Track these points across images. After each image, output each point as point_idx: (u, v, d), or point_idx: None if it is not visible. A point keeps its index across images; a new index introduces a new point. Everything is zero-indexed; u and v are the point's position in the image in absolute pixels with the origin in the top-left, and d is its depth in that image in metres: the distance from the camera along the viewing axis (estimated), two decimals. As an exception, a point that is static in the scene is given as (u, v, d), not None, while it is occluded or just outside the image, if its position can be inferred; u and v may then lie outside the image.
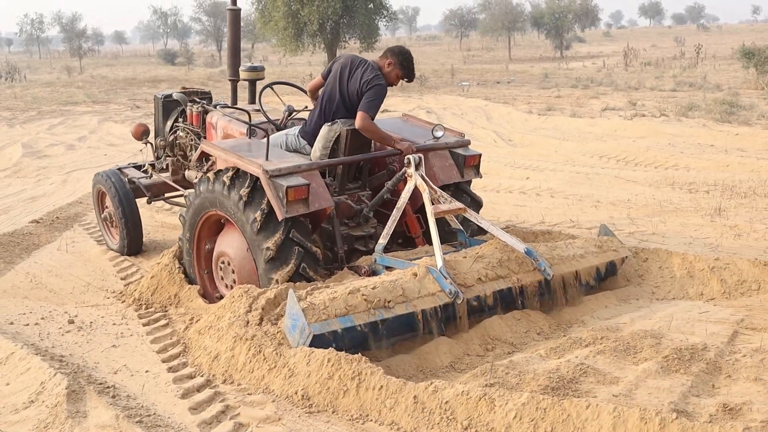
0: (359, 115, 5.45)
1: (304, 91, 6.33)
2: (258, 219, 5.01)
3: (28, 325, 5.43)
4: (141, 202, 7.30)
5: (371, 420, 3.77)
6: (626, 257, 5.75)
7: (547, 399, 3.50)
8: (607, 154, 12.00)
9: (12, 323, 5.45)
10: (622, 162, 11.41)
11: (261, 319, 4.54)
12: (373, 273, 5.15)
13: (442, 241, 5.19)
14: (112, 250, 7.33)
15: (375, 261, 5.24)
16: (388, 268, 5.11)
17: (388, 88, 5.68)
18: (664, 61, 36.76)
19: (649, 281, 5.74)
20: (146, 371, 4.59)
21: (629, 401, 3.70)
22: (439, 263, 4.77)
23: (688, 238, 6.91)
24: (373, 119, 5.54)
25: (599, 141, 13.32)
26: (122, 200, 6.99)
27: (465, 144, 6.06)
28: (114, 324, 5.44)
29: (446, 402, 3.64)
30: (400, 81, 5.79)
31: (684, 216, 7.81)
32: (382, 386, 3.82)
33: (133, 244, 7.16)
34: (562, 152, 12.40)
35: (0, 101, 24.68)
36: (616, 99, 20.45)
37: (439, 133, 5.91)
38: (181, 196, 7.28)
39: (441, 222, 5.40)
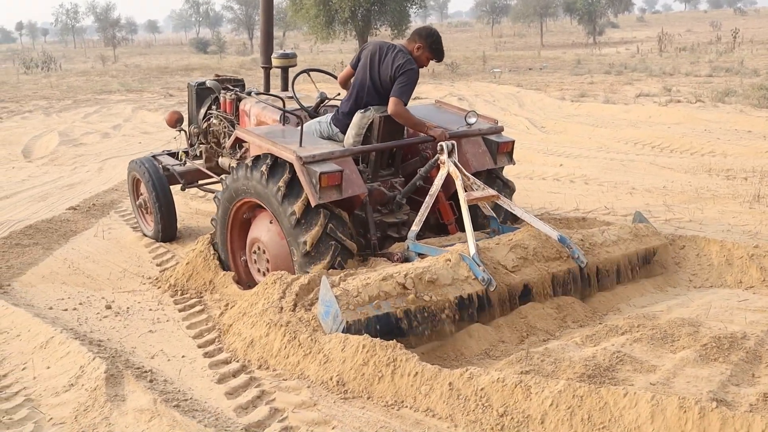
0: (392, 100, 5.44)
1: (336, 78, 6.33)
2: (296, 212, 5.02)
3: (66, 310, 5.52)
4: (175, 189, 7.37)
5: (406, 406, 3.77)
6: (661, 244, 5.67)
7: (584, 387, 3.47)
8: (642, 140, 11.84)
9: (51, 308, 5.55)
10: (658, 148, 11.25)
11: (295, 305, 4.57)
12: (406, 260, 5.14)
13: (475, 228, 5.17)
14: (147, 236, 7.41)
15: (408, 248, 5.23)
16: (421, 255, 5.10)
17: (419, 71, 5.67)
18: (699, 46, 36.10)
19: (687, 269, 5.67)
20: (182, 356, 4.64)
21: (667, 390, 3.66)
22: (472, 250, 4.75)
23: (726, 225, 6.80)
24: (406, 105, 5.52)
25: (633, 127, 13.14)
26: (156, 187, 7.06)
27: (498, 131, 6.02)
28: (150, 309, 5.51)
29: (482, 389, 3.62)
30: (430, 62, 5.77)
31: (722, 203, 7.68)
32: (417, 373, 3.81)
33: (168, 230, 7.23)
34: (596, 139, 12.27)
35: (36, 90, 25.05)
36: (651, 85, 20.15)
37: (472, 120, 5.88)
38: (214, 182, 7.34)
39: (474, 209, 5.37)
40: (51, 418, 3.84)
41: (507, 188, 5.96)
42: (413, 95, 5.61)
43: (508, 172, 6.22)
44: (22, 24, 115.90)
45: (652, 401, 3.31)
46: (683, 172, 9.37)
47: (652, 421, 3.27)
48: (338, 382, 3.99)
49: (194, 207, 8.66)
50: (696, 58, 29.20)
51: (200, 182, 7.51)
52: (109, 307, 5.52)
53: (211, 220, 5.95)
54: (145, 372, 4.34)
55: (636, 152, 11.01)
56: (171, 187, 7.24)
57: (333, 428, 3.64)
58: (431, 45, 5.64)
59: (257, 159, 5.33)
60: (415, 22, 38.15)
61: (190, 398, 4.02)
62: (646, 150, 11.19)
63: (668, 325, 4.43)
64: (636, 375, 3.87)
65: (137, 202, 7.53)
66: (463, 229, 5.15)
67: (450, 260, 4.71)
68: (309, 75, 6.45)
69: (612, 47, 42.11)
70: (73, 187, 9.93)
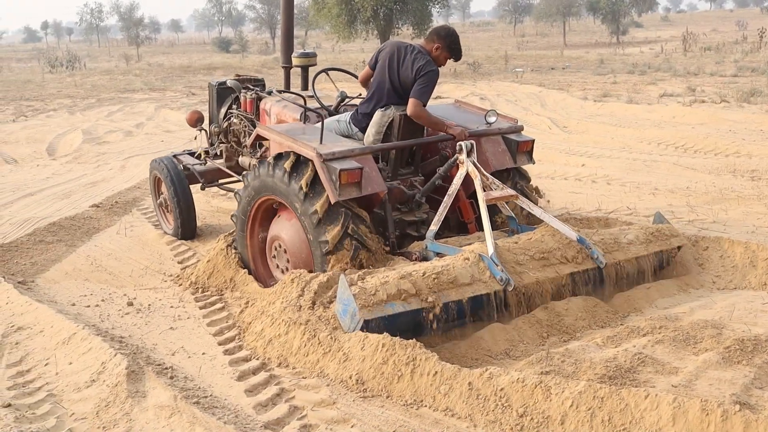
0: (411, 102, 5.44)
1: (356, 77, 6.34)
2: (318, 211, 5.03)
3: (89, 306, 5.57)
4: (195, 188, 7.41)
5: (425, 405, 3.77)
6: (682, 245, 5.60)
7: (605, 388, 3.45)
8: (666, 140, 11.73)
9: (74, 304, 5.60)
10: (681, 149, 11.14)
11: (313, 303, 4.57)
12: (425, 259, 5.13)
13: (494, 228, 5.14)
14: (167, 234, 7.47)
15: (426, 247, 5.22)
16: (439, 255, 5.08)
17: (440, 71, 5.66)
18: (725, 45, 35.72)
19: (710, 270, 5.61)
20: (203, 353, 4.66)
21: (689, 392, 3.62)
22: (491, 250, 4.73)
23: (751, 226, 6.71)
24: (425, 106, 5.51)
25: (657, 128, 13.03)
26: (176, 186, 7.12)
27: (518, 130, 5.99)
28: (171, 307, 5.54)
29: (501, 389, 3.61)
30: (448, 61, 5.77)
31: (746, 204, 7.59)
32: (436, 372, 3.81)
33: (187, 229, 7.28)
34: (619, 139, 12.17)
35: (61, 89, 25.32)
36: (675, 85, 19.97)
37: (492, 119, 5.86)
38: (234, 182, 7.37)
39: (493, 208, 5.36)
40: (73, 414, 3.87)
41: (524, 179, 5.94)
42: (433, 95, 5.60)
43: (530, 171, 6.18)
44: (47, 23, 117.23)
45: (673, 403, 3.28)
46: (707, 173, 9.27)
47: (673, 424, 3.24)
48: (357, 380, 3.99)
49: (215, 205, 8.71)
50: (721, 57, 28.90)
51: (220, 181, 7.56)
52: (130, 304, 5.56)
53: (231, 216, 5.98)
54: (166, 369, 4.36)
55: (659, 152, 10.92)
56: (192, 186, 7.28)
57: (352, 427, 3.64)
58: (449, 45, 5.63)
59: (279, 156, 5.34)
60: (437, 22, 38.05)
61: (210, 395, 4.04)
62: (670, 150, 11.09)
63: (691, 326, 4.38)
64: (657, 377, 3.83)
65: (158, 201, 7.60)
66: (482, 228, 5.13)
67: (468, 259, 4.69)
68: (328, 74, 6.47)
69: (636, 47, 41.79)
70: (96, 184, 10.02)
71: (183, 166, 7.35)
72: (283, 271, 5.59)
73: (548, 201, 7.86)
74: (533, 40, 56.97)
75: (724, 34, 48.97)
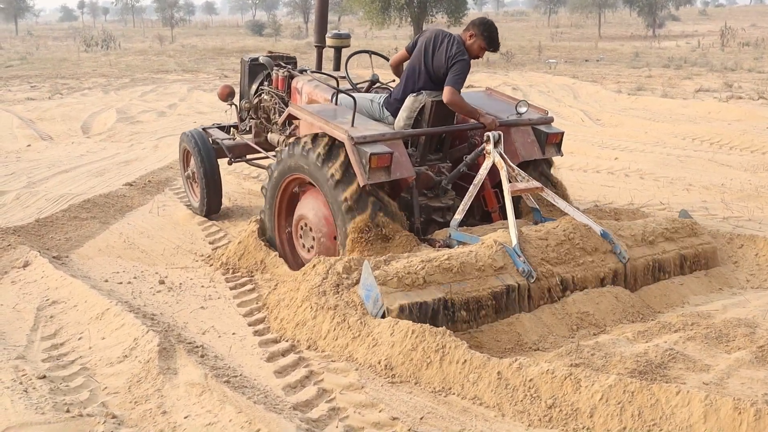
0: (447, 90, 5.45)
1: (387, 60, 6.34)
2: (347, 199, 5.05)
3: (121, 283, 5.64)
4: (224, 165, 7.46)
5: (454, 393, 3.77)
6: (709, 243, 5.51)
7: (636, 382, 3.43)
8: (700, 136, 11.56)
9: (106, 281, 5.67)
10: (716, 145, 10.97)
11: (337, 286, 4.57)
12: (448, 247, 5.12)
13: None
14: (194, 209, 7.53)
15: (449, 235, 5.21)
16: (462, 243, 5.06)
17: (474, 61, 5.65)
18: (764, 41, 35.08)
19: (744, 268, 5.54)
20: (233, 333, 4.70)
21: (720, 390, 3.59)
22: (514, 241, 4.72)
23: (787, 225, 6.61)
24: (459, 93, 5.51)
25: (692, 123, 12.86)
26: (204, 159, 7.17)
27: (548, 121, 5.97)
28: (202, 286, 5.59)
29: (530, 380, 3.60)
30: (485, 52, 5.73)
31: (783, 203, 7.47)
32: (465, 360, 3.81)
33: (213, 203, 7.34)
34: (653, 133, 12.02)
35: (96, 68, 25.58)
36: (711, 80, 19.67)
37: (522, 109, 5.83)
38: (261, 158, 7.40)
39: (517, 199, 5.34)
40: (105, 387, 3.93)
41: (548, 165, 5.92)
42: (466, 83, 5.60)
43: (562, 163, 6.14)
44: (84, 3, 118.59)
45: (705, 401, 3.25)
46: (743, 170, 9.14)
47: (704, 421, 3.21)
48: (386, 366, 4.00)
49: (247, 187, 8.76)
50: (760, 53, 28.40)
51: (248, 157, 7.58)
52: (162, 282, 5.62)
53: (261, 188, 6.02)
54: (197, 347, 4.41)
55: (694, 148, 10.77)
56: (220, 161, 7.33)
57: (380, 411, 3.65)
58: (483, 33, 5.61)
59: (315, 138, 5.36)
60: (472, 10, 37.84)
61: (240, 375, 4.08)
62: (705, 146, 10.94)
63: (723, 324, 4.34)
64: (688, 374, 3.80)
65: (186, 174, 7.66)
66: (506, 218, 5.10)
67: (491, 249, 4.67)
68: (370, 57, 6.48)
69: (672, 41, 41.19)
70: (129, 163, 10.12)
71: (212, 140, 7.40)
72: (308, 250, 5.63)
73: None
74: (567, 31, 56.35)
75: (764, 29, 48.10)
